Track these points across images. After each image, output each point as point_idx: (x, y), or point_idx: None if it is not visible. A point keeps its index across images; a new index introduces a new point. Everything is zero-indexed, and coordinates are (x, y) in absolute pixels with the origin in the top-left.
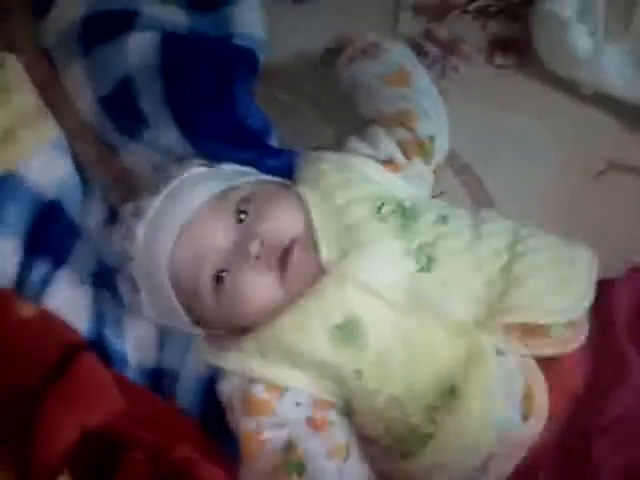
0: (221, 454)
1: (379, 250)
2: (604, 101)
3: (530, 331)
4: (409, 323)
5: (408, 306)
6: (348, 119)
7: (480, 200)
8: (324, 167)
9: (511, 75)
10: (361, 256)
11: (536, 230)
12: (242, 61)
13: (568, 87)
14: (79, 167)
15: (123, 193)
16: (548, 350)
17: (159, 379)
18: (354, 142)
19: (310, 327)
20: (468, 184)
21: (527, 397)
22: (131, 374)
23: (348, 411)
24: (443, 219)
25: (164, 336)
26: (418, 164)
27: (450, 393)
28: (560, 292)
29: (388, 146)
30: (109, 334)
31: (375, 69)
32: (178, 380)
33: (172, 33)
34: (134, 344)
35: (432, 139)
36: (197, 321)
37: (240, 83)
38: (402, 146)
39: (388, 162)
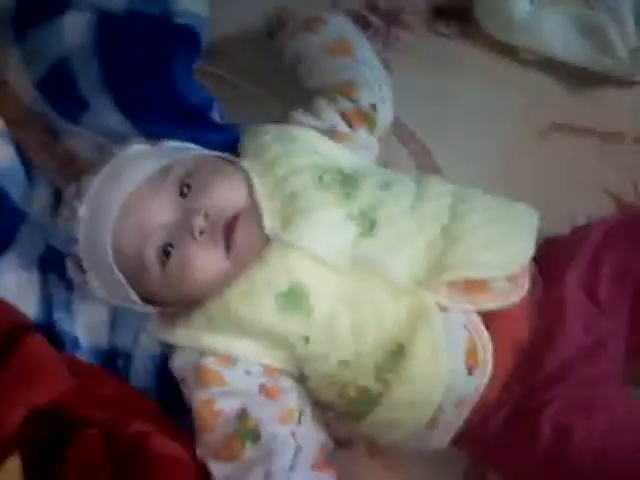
0: (178, 429)
1: (321, 217)
2: (546, 65)
3: (471, 287)
4: (353, 287)
5: (352, 270)
6: (295, 94)
7: (427, 168)
8: (266, 139)
9: (454, 43)
10: (303, 224)
11: (478, 192)
12: (181, 39)
13: (510, 53)
14: (22, 154)
15: (69, 177)
16: (490, 304)
17: (113, 360)
18: (298, 115)
19: (257, 296)
20: (415, 153)
21: (471, 351)
22: (85, 356)
23: (301, 378)
24: (385, 185)
25: (116, 317)
26: (362, 133)
27: (398, 352)
28: (498, 247)
29: (331, 116)
30: (59, 318)
31: (316, 41)
32: (132, 359)
33: (108, 13)
34: (86, 326)
35: (374, 108)
36: (146, 299)
37: (179, 62)
38: (345, 116)
39: (332, 132)
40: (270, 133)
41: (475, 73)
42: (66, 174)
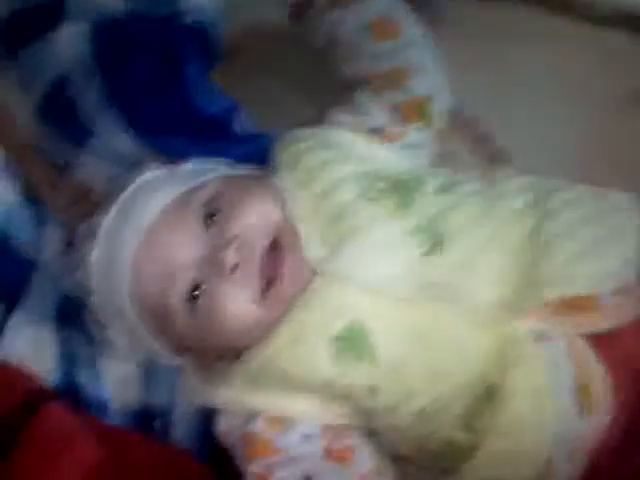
0: None
1: (373, 237)
2: (623, 22)
3: (574, 305)
4: (423, 319)
5: (419, 299)
6: (331, 92)
7: (495, 157)
8: (300, 147)
9: (505, 6)
10: (353, 248)
11: (563, 182)
12: (192, 41)
13: (577, 10)
14: (28, 191)
15: (82, 215)
16: (599, 325)
17: (149, 421)
18: (337, 114)
19: (307, 344)
20: (478, 143)
21: (583, 388)
22: (115, 419)
23: (371, 431)
24: (446, 188)
25: (148, 372)
26: (416, 129)
27: (489, 396)
28: (602, 253)
29: (378, 113)
30: (83, 377)
31: (354, 20)
32: (171, 419)
33: (106, 20)
34: (114, 385)
35: (430, 98)
36: (176, 350)
37: (191, 67)
38: (396, 110)
39: (379, 132)
40: (305, 140)
41: (538, 39)
42: (79, 212)
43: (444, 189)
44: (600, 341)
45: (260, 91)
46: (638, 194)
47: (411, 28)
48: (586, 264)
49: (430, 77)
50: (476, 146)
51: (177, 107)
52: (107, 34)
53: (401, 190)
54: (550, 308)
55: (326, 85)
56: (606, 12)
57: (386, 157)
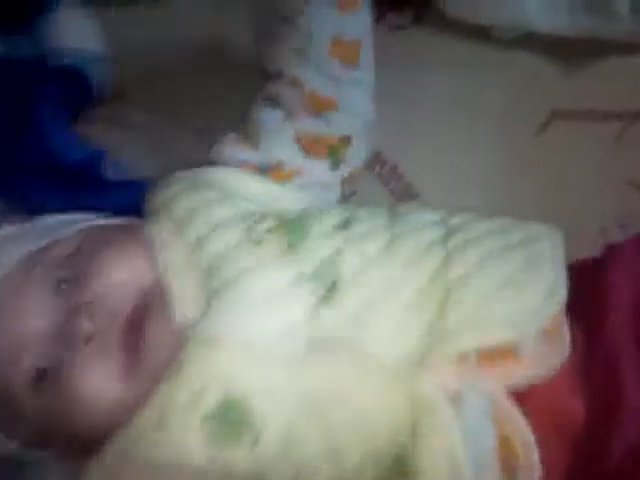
0: None
1: (254, 287)
2: (528, 42)
3: (491, 355)
4: (316, 383)
5: (310, 359)
6: (225, 128)
7: (399, 193)
8: (174, 190)
9: (411, 34)
10: (228, 303)
11: (472, 215)
12: (58, 83)
13: (482, 34)
14: None
15: None
16: (521, 376)
17: None
18: (229, 145)
19: (173, 425)
20: (382, 175)
21: (506, 453)
22: None
23: None
24: (345, 224)
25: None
26: (320, 167)
27: (398, 469)
28: (519, 292)
29: (279, 144)
30: None
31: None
32: None
33: None
34: None
35: (347, 140)
36: (29, 443)
37: (44, 108)
38: (301, 142)
39: (275, 167)
40: (180, 181)
41: (444, 66)
42: None
43: (342, 226)
44: (522, 395)
45: (146, 134)
46: (557, 223)
47: (367, 57)
48: (501, 305)
49: (355, 118)
50: (384, 182)
51: (31, 152)
52: None
53: (292, 229)
54: (463, 361)
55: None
56: (510, 34)
57: (277, 195)
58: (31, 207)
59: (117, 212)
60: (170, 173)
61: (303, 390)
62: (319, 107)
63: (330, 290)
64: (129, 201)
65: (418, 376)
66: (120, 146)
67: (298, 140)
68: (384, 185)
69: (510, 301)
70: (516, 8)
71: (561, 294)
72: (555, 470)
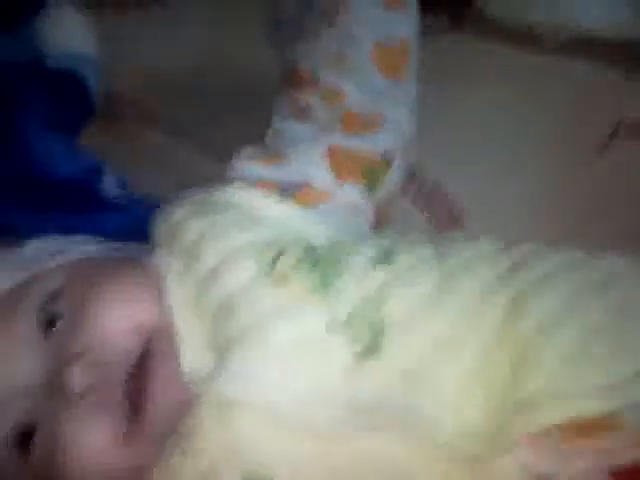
0: None
1: (278, 337)
2: (582, 48)
3: (586, 429)
4: (356, 461)
5: (349, 426)
6: (238, 144)
7: (440, 218)
8: (182, 215)
9: (449, 40)
10: (247, 356)
11: (537, 245)
12: (43, 88)
13: (529, 41)
14: None
15: None
16: (623, 455)
17: None
18: (246, 159)
19: None
20: (417, 200)
21: None
22: None
23: None
24: (385, 258)
25: None
26: (352, 191)
27: None
28: (614, 347)
29: (309, 161)
30: None
31: (379, 28)
32: None
33: None
34: None
35: (389, 161)
36: None
37: (30, 117)
38: (334, 161)
39: (298, 189)
40: (188, 205)
41: (487, 77)
42: None
43: (382, 260)
44: (627, 476)
45: (156, 150)
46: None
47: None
48: (594, 365)
49: (400, 137)
50: (420, 207)
51: (14, 168)
52: None
53: (322, 265)
54: (551, 434)
55: (233, 138)
56: (561, 39)
57: (304, 222)
58: (14, 230)
59: (117, 234)
60: (178, 192)
61: (340, 469)
62: (359, 123)
63: (375, 338)
64: (129, 224)
65: (492, 458)
66: (122, 160)
67: (329, 158)
68: (420, 210)
69: (601, 361)
70: (569, 7)
71: None
72: None
